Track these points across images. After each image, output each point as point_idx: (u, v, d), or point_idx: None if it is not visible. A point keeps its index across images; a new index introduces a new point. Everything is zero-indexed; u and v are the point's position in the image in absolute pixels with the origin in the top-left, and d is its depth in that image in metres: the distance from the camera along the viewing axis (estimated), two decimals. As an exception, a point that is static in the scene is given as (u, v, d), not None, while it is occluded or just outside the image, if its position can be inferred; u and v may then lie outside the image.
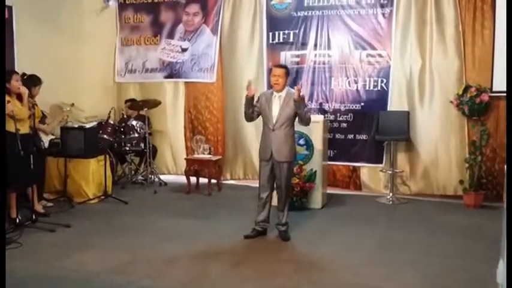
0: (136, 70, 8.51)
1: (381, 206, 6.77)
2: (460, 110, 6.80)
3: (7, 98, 5.32)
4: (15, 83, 5.45)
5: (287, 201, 5.26)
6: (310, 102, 7.54)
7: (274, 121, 5.08)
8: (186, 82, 8.26)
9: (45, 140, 6.69)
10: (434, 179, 7.11)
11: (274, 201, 5.40)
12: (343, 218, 6.10)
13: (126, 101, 8.17)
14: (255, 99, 5.19)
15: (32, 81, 6.06)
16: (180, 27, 8.27)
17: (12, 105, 5.28)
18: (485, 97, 6.56)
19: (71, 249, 4.87)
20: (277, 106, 5.09)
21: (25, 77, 6.04)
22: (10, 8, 7.00)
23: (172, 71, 8.31)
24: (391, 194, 6.95)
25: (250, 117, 5.27)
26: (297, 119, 5.17)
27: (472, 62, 6.84)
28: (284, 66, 5.34)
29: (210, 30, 8.07)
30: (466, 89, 6.70)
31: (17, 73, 5.67)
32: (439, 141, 7.04)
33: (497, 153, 6.72)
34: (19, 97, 5.47)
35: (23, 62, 6.95)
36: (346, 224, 5.82)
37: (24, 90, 5.47)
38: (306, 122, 5.19)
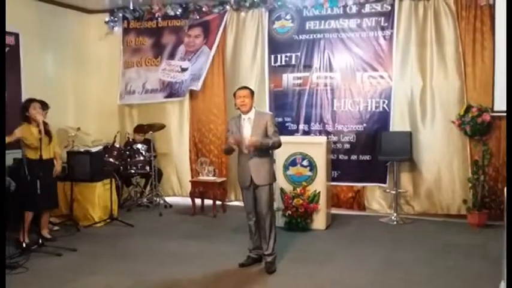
0: (135, 91, 8.58)
1: (385, 226, 6.78)
2: (462, 130, 6.85)
3: (25, 126, 5.56)
4: (33, 111, 5.62)
5: (272, 228, 4.99)
6: (313, 123, 7.63)
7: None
8: (190, 105, 8.35)
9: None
10: (437, 199, 7.13)
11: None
12: (347, 239, 6.11)
13: (135, 129, 8.18)
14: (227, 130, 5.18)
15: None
16: (181, 48, 8.38)
17: (20, 131, 5.41)
18: (486, 117, 6.61)
19: (76, 273, 4.91)
20: (249, 129, 4.93)
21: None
22: (17, 34, 7.15)
23: (171, 91, 8.38)
24: (395, 214, 6.96)
25: (230, 153, 5.20)
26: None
27: (473, 82, 6.90)
28: (248, 88, 5.13)
29: (209, 50, 8.17)
30: (468, 109, 6.76)
31: (36, 101, 5.80)
32: (441, 161, 7.07)
33: (500, 172, 6.74)
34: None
35: (30, 87, 7.08)
36: (350, 245, 5.83)
37: (39, 119, 5.59)
38: (277, 148, 5.12)
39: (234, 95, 5.06)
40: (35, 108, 5.66)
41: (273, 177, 5.09)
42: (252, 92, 5.05)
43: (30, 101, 5.79)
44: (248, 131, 4.93)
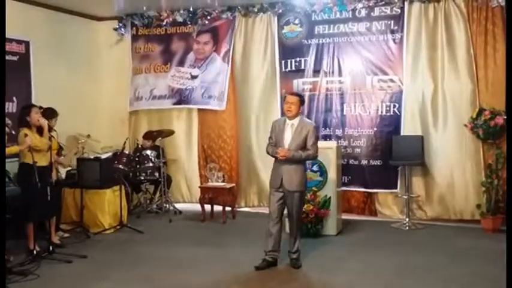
0: (142, 97, 8.55)
1: (397, 231, 6.70)
2: (474, 134, 6.76)
3: (26, 131, 5.47)
4: (35, 115, 5.58)
5: (298, 228, 5.29)
6: (323, 128, 7.57)
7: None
8: (199, 111, 8.32)
9: (63, 171, 6.79)
10: (450, 204, 7.03)
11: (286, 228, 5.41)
12: (359, 245, 6.05)
13: (145, 136, 8.15)
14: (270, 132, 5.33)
15: (48, 114, 6.15)
16: (191, 55, 8.34)
17: (31, 138, 5.41)
18: (499, 120, 6.51)
19: (87, 280, 4.89)
20: (289, 135, 5.11)
21: (41, 110, 6.15)
22: (27, 42, 7.18)
23: (181, 98, 8.33)
24: (407, 220, 6.88)
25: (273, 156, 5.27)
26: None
27: (485, 85, 6.82)
28: (298, 95, 5.39)
29: (221, 58, 8.15)
30: (480, 112, 6.67)
31: (36, 106, 5.80)
32: (454, 165, 6.98)
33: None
34: (39, 129, 5.61)
35: (40, 95, 7.10)
36: (362, 251, 5.77)
37: (44, 122, 5.61)
38: (311, 160, 5.27)
39: (284, 98, 5.28)
40: (37, 112, 5.64)
41: (305, 184, 5.25)
42: (300, 100, 5.21)
43: (31, 106, 5.80)
44: (289, 137, 5.11)
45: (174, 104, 8.39)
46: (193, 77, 8.31)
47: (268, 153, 5.28)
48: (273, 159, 5.26)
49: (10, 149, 5.28)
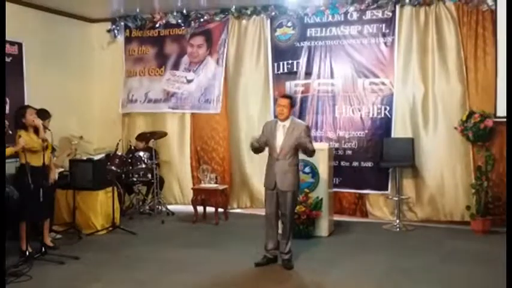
0: (137, 100, 8.58)
1: (388, 233, 6.75)
2: (464, 136, 6.83)
3: (22, 132, 5.49)
4: (30, 117, 5.60)
5: (291, 229, 5.33)
6: (315, 130, 7.60)
7: (278, 150, 5.16)
8: (192, 113, 8.33)
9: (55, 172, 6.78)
10: (441, 205, 7.09)
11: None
12: (350, 246, 6.09)
13: (138, 137, 8.16)
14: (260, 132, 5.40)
15: (41, 115, 6.15)
16: (185, 59, 8.37)
17: (24, 139, 5.41)
18: (489, 123, 6.59)
19: (79, 282, 4.89)
20: (281, 135, 5.18)
21: (35, 111, 6.15)
22: (20, 44, 7.19)
23: (177, 102, 8.37)
24: (398, 221, 6.94)
25: (258, 151, 5.36)
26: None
27: (475, 88, 6.89)
28: (289, 97, 5.46)
29: (215, 61, 8.18)
30: (470, 115, 6.74)
31: (31, 107, 5.81)
32: (444, 167, 7.05)
33: (503, 178, 6.71)
34: (36, 130, 5.63)
35: (33, 96, 7.11)
36: (353, 252, 5.81)
37: (39, 123, 5.61)
38: (310, 155, 5.27)
39: (275, 101, 5.29)
40: (32, 113, 5.66)
41: (298, 184, 5.31)
42: (291, 102, 5.32)
43: (25, 107, 5.81)
44: (281, 138, 5.20)
45: (171, 107, 8.39)
46: (189, 81, 8.32)
47: (250, 146, 5.32)
48: (266, 160, 5.31)
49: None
